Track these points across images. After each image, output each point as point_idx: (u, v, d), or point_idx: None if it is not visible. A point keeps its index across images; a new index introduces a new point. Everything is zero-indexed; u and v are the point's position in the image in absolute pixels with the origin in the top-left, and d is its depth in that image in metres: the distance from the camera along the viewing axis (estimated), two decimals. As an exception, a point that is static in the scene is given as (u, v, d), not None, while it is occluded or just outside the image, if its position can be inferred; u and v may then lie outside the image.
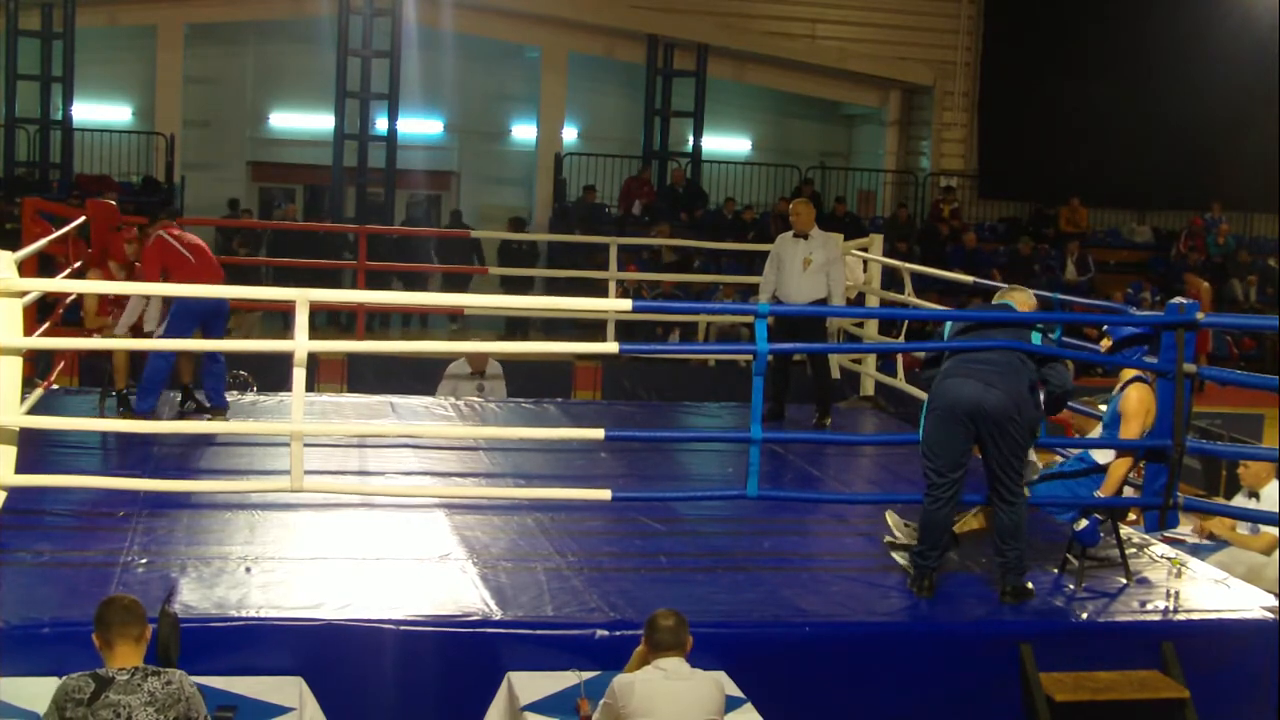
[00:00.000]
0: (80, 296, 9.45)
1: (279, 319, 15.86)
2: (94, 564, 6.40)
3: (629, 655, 5.47)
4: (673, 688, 5.13)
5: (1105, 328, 7.64)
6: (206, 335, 8.93)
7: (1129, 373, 7.31)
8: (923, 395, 7.21)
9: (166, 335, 8.75)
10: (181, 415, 9.40)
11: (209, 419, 9.23)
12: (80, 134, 20.40)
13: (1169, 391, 7.19)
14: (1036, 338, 6.82)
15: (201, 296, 8.59)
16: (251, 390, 10.97)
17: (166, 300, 8.89)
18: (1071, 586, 6.92)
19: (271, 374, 10.49)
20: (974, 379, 6.58)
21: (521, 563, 6.76)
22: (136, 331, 9.03)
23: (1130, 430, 7.13)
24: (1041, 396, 6.75)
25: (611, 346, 8.27)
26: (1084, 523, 6.99)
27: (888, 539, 7.21)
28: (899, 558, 7.02)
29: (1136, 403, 7.14)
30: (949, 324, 7.04)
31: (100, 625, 4.63)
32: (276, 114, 22.54)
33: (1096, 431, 7.73)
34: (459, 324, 17.20)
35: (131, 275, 9.19)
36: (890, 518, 7.33)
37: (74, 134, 20.23)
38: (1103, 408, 8.06)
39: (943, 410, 6.61)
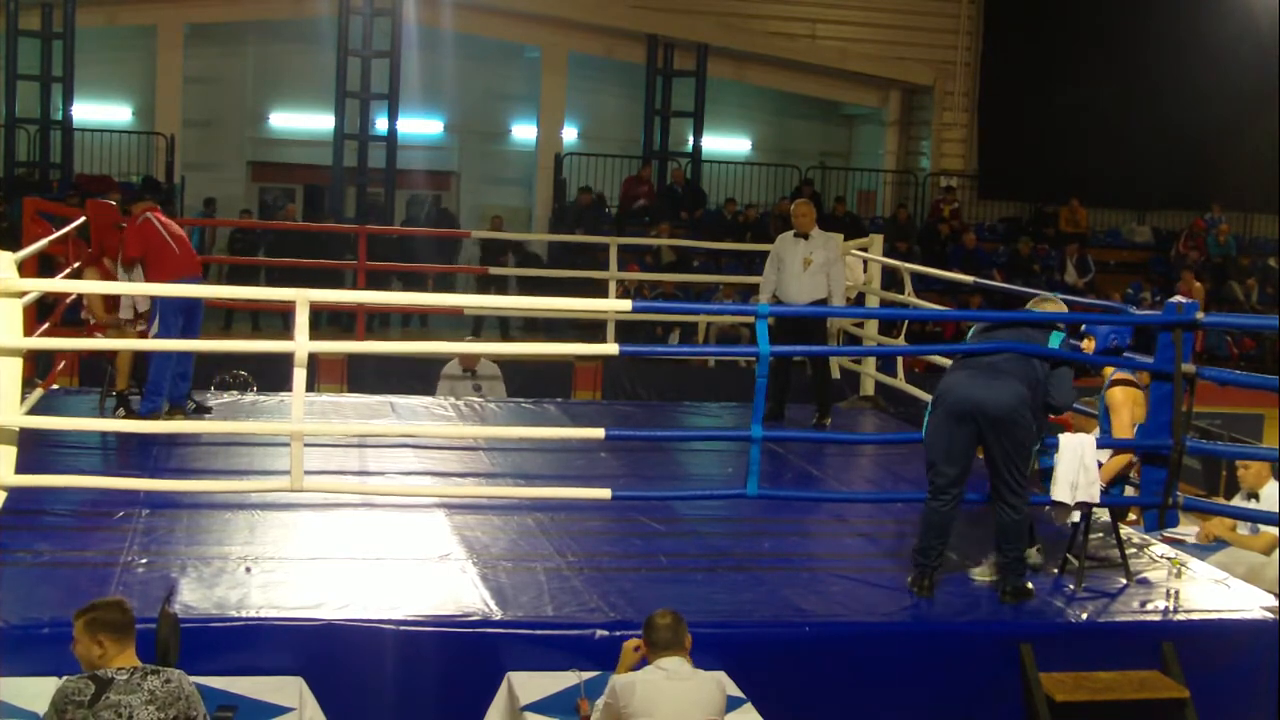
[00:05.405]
0: (81, 296, 9.44)
1: (279, 319, 15.87)
2: (94, 564, 6.40)
3: (629, 656, 5.47)
4: (673, 688, 5.12)
5: (1083, 328, 7.61)
6: (186, 328, 8.91)
7: (1112, 370, 7.38)
8: (924, 395, 7.20)
9: (160, 331, 8.75)
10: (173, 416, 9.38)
11: (208, 419, 9.23)
12: (80, 134, 20.39)
13: (1167, 392, 7.20)
14: (1056, 339, 6.78)
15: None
16: (251, 390, 10.97)
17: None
18: (1071, 586, 6.92)
19: (271, 374, 10.48)
20: (977, 380, 6.60)
21: (521, 563, 6.76)
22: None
23: (1121, 419, 7.15)
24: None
25: (611, 348, 8.25)
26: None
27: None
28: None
29: (1122, 394, 7.23)
30: (974, 326, 7.02)
31: (96, 627, 4.60)
32: (276, 114, 22.52)
33: (1096, 432, 7.73)
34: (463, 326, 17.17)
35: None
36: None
37: (74, 134, 20.22)
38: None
39: (945, 410, 6.62)
